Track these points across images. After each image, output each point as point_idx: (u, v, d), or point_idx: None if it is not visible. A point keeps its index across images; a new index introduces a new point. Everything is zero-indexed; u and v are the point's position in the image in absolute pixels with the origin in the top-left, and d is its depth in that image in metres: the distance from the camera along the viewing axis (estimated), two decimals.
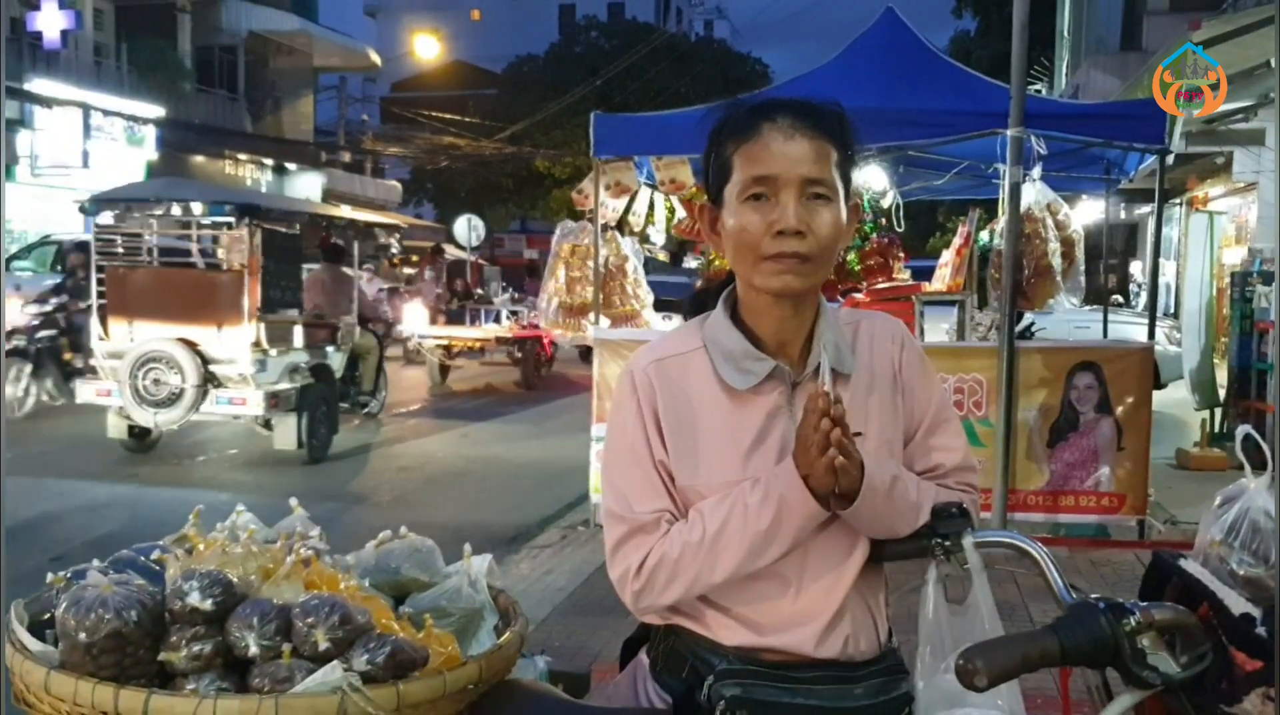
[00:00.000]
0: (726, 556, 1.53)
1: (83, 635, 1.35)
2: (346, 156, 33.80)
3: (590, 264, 5.94)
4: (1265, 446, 1.39)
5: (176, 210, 9.04)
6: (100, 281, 8.90)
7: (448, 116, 33.28)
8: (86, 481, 7.96)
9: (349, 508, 7.50)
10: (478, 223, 24.10)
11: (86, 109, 21.30)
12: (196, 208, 9.11)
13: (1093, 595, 1.24)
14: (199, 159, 26.63)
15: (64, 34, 21.54)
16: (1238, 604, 1.23)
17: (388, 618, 1.53)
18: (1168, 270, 16.55)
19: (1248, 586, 1.26)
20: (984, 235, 7.32)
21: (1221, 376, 10.02)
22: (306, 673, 1.35)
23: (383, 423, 11.49)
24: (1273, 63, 7.37)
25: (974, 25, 29.88)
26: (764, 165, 1.54)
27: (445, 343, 15.55)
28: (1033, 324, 9.06)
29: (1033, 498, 6.29)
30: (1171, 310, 14.64)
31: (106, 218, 9.27)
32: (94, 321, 8.89)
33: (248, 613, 1.39)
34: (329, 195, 31.57)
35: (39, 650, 1.42)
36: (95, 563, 1.57)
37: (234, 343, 8.62)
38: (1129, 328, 11.23)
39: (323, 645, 1.37)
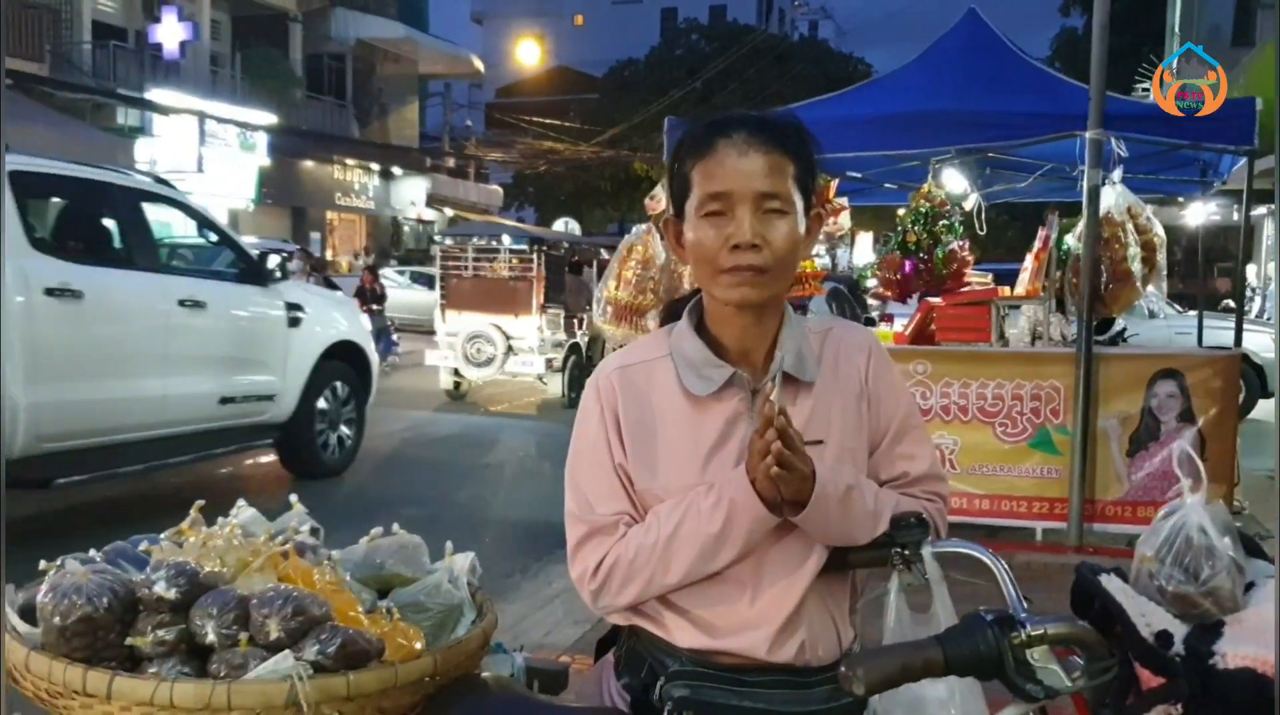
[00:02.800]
0: (679, 559, 1.56)
1: (57, 619, 1.45)
2: (450, 162, 34.43)
3: (649, 266, 5.97)
4: (1199, 463, 1.37)
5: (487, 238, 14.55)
6: (443, 285, 13.63)
7: (549, 121, 33.65)
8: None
9: None
10: (575, 226, 24.39)
11: (202, 117, 22.13)
12: (505, 239, 14.72)
13: (986, 608, 1.23)
14: (308, 164, 27.46)
15: (182, 45, 22.43)
16: (1158, 621, 1.21)
17: (355, 611, 1.59)
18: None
19: (1176, 603, 1.24)
20: (1068, 239, 7.16)
21: None
22: (260, 661, 1.43)
23: None
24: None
25: (1081, 23, 29.11)
26: (719, 181, 1.57)
27: None
28: (1125, 330, 8.82)
29: (1111, 508, 6.13)
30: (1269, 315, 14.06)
31: (447, 243, 14.65)
32: (437, 310, 13.58)
33: (209, 602, 1.46)
34: (432, 199, 32.25)
35: (25, 632, 1.52)
36: (91, 552, 1.68)
37: (525, 326, 13.08)
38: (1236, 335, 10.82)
39: (275, 634, 1.44)
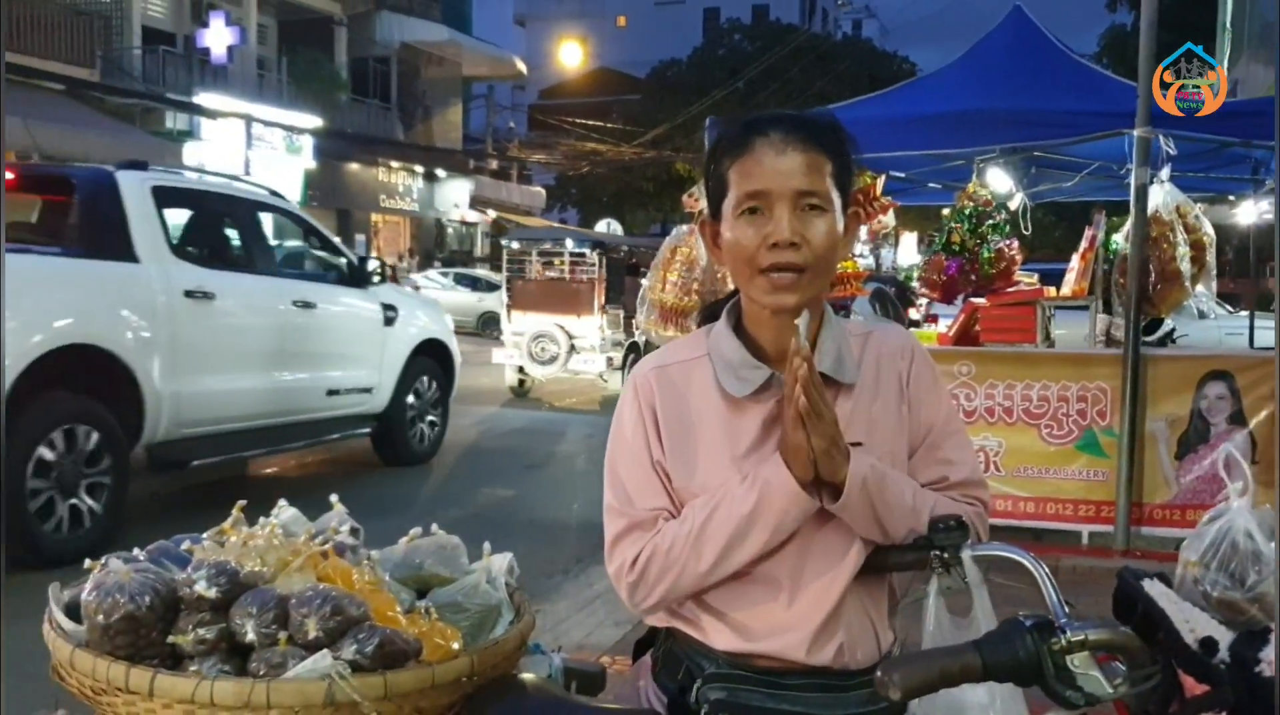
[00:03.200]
0: (711, 544, 1.56)
1: (100, 617, 1.47)
2: (494, 163, 34.61)
3: (693, 267, 5.96)
4: (1245, 466, 1.34)
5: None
6: (509, 287, 14.37)
7: (591, 122, 33.73)
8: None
9: None
10: (616, 227, 24.44)
11: (249, 120, 22.41)
12: (569, 243, 14.50)
13: (1025, 613, 1.21)
14: (353, 167, 27.71)
15: (230, 49, 22.72)
16: (1202, 627, 1.19)
17: (393, 611, 1.60)
18: None
19: (1221, 610, 1.22)
20: (1115, 238, 7.06)
21: None
22: (300, 660, 1.44)
23: None
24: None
25: (1129, 19, 28.72)
26: (756, 180, 1.56)
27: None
28: (1174, 330, 8.69)
29: (1159, 512, 6.04)
30: None
31: (514, 247, 14.80)
32: (503, 310, 14.35)
33: (249, 601, 1.48)
34: (475, 201, 32.43)
35: (70, 629, 1.55)
36: (135, 551, 1.70)
37: (587, 326, 13.68)
38: None
39: (313, 634, 1.45)
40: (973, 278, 7.07)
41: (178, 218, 7.25)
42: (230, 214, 7.73)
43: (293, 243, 8.74)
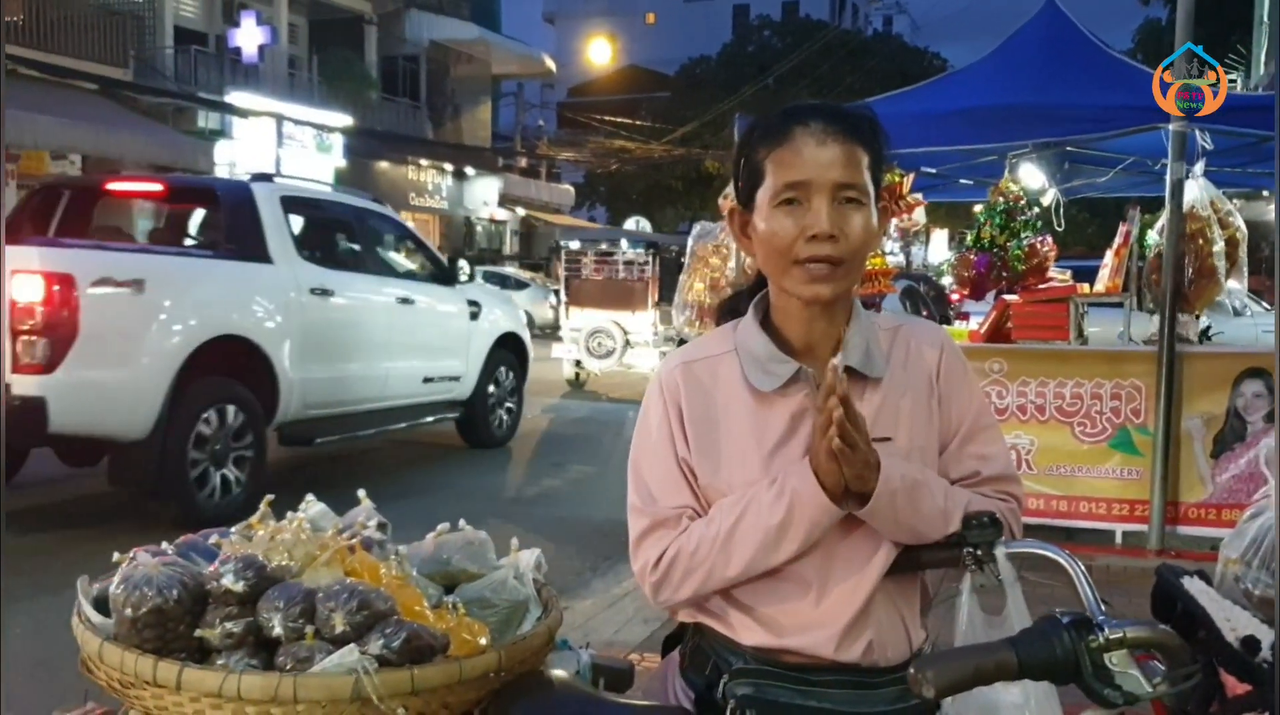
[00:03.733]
0: (740, 551, 1.54)
1: (129, 610, 1.47)
2: (523, 161, 34.65)
3: (729, 265, 5.95)
4: None
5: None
6: (567, 285, 15.31)
7: (620, 120, 33.72)
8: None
9: None
10: (645, 224, 24.42)
11: (280, 119, 22.53)
12: (624, 243, 15.39)
13: (1062, 610, 1.19)
14: (383, 165, 27.80)
15: (261, 49, 22.85)
16: (1244, 626, 1.16)
17: (420, 606, 1.59)
18: None
19: (1263, 607, 1.19)
20: (1151, 235, 6.98)
21: None
22: (326, 654, 1.43)
23: None
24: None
25: (1164, 14, 28.40)
26: (797, 170, 1.54)
27: None
28: (1209, 327, 8.57)
29: (1194, 511, 5.96)
30: None
31: (573, 247, 15.69)
32: (561, 308, 15.32)
33: (276, 596, 1.48)
34: (505, 199, 32.50)
35: (99, 622, 1.55)
36: (163, 545, 1.70)
37: (641, 322, 14.52)
38: None
39: (340, 628, 1.44)
40: (1003, 274, 7.00)
41: (299, 223, 7.97)
42: (341, 219, 8.58)
43: (392, 245, 9.46)
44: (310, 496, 1.94)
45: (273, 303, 7.11)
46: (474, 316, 9.28)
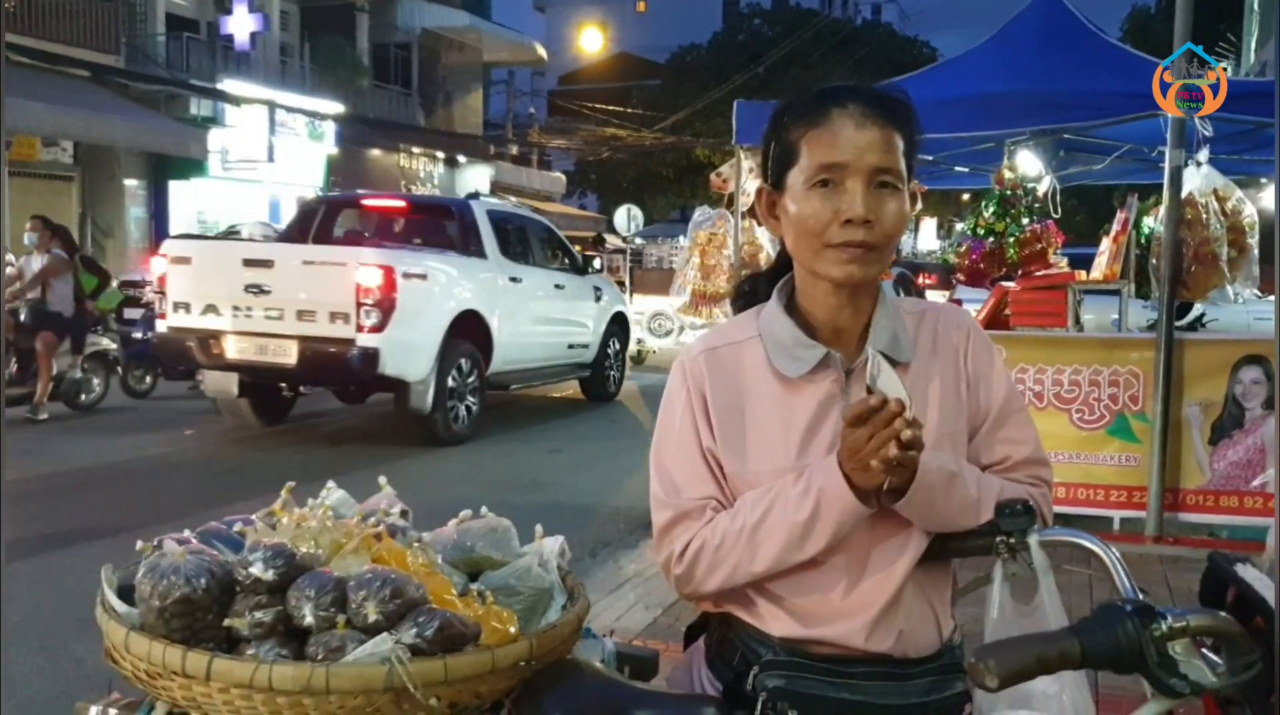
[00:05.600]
0: (765, 547, 1.53)
1: (156, 600, 1.44)
2: (514, 149, 34.51)
3: (725, 252, 5.94)
4: None
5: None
6: (631, 275, 18.03)
7: (611, 108, 33.60)
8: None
9: None
10: (636, 213, 24.35)
11: (272, 106, 22.39)
12: (680, 238, 17.04)
13: (1122, 599, 1.18)
14: (375, 153, 27.68)
15: (253, 36, 22.70)
16: None
17: (449, 594, 1.58)
18: None
19: None
20: (1147, 222, 6.98)
21: None
22: (358, 643, 1.41)
23: None
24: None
25: (1154, 2, 28.43)
26: (834, 152, 1.51)
27: None
28: (1203, 315, 8.60)
29: (1192, 497, 5.98)
30: None
31: (638, 242, 17.64)
32: (626, 294, 16.21)
33: (306, 584, 1.46)
34: (496, 187, 32.37)
35: (124, 612, 1.52)
36: (185, 532, 1.69)
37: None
38: None
39: (373, 617, 1.43)
40: (999, 262, 7.01)
41: (497, 230, 10.64)
42: (518, 225, 11.48)
43: (546, 244, 12.06)
44: (330, 483, 1.92)
45: (489, 287, 10.04)
46: (597, 298, 12.25)
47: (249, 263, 8.93)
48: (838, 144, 1.51)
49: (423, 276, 9.08)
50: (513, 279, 10.39)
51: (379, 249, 9.32)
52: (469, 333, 9.55)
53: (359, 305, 8.46)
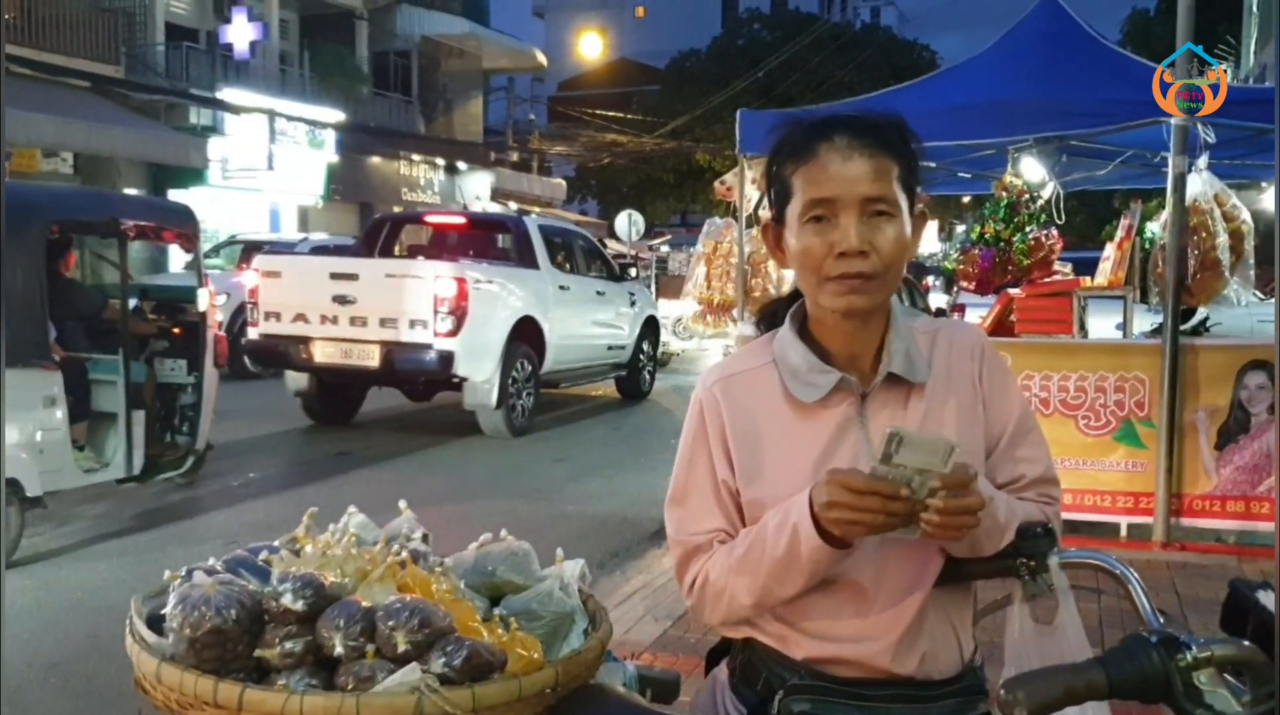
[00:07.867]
0: (747, 581, 1.54)
1: (187, 631, 1.46)
2: (514, 156, 34.54)
3: (732, 261, 5.95)
4: None
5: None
6: (656, 281, 19.88)
7: (611, 114, 33.65)
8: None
9: None
10: (637, 218, 24.39)
11: (272, 115, 22.41)
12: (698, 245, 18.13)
13: (1146, 629, 1.19)
14: (375, 160, 27.71)
15: (252, 45, 22.71)
16: None
17: (474, 621, 1.59)
18: None
19: None
20: (1152, 227, 7.00)
21: None
22: (388, 673, 1.43)
23: None
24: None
25: (1153, 3, 28.45)
26: (822, 187, 1.53)
27: None
28: (1207, 319, 8.60)
29: (1199, 502, 5.99)
30: None
31: (664, 250, 20.35)
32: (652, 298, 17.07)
33: (336, 614, 1.47)
34: (497, 193, 32.41)
35: (154, 642, 1.54)
36: (211, 561, 1.70)
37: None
38: None
39: (402, 647, 1.44)
40: (1008, 268, 7.02)
41: (547, 242, 11.67)
42: (563, 238, 12.59)
43: (587, 253, 13.12)
44: (352, 507, 1.94)
45: (542, 295, 10.98)
46: (633, 303, 13.22)
47: (336, 276, 9.96)
48: (826, 179, 1.52)
49: (490, 286, 10.14)
50: (561, 287, 11.44)
51: (453, 263, 10.36)
52: (526, 336, 10.52)
53: (436, 313, 9.48)
